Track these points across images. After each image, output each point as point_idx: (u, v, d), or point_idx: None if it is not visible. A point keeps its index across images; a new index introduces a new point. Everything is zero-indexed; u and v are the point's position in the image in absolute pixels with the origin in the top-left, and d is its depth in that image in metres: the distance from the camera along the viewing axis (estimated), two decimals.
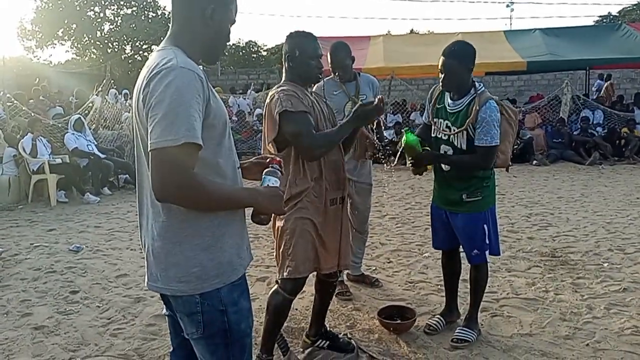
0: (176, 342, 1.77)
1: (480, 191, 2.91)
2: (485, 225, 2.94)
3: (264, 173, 1.65)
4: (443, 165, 2.97)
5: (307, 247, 2.51)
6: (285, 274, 2.52)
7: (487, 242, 2.95)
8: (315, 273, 2.72)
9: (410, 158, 2.90)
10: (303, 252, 2.50)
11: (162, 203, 1.45)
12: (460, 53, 2.81)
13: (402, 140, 2.90)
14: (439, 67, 2.84)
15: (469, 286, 3.14)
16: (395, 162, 3.02)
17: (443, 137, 2.93)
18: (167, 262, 1.50)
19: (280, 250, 2.55)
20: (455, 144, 2.87)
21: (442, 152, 2.93)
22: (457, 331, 3.02)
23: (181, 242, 1.48)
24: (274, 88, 2.61)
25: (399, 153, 2.95)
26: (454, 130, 2.86)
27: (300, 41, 2.57)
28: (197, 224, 1.48)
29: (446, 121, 2.91)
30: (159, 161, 1.35)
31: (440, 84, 2.89)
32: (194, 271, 1.49)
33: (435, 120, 2.99)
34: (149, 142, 1.38)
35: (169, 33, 1.59)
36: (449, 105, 2.92)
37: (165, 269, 1.50)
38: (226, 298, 1.53)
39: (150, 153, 1.37)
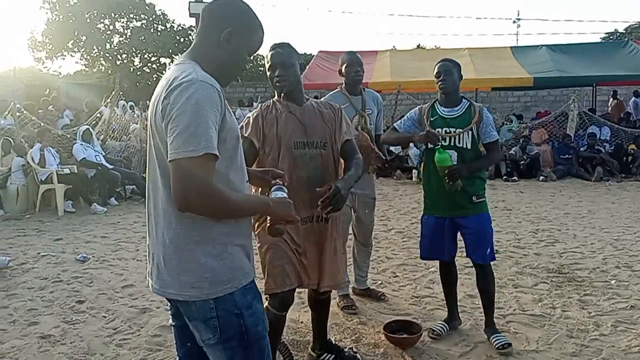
0: (182, 352, 1.77)
1: (484, 192, 3.14)
2: (491, 225, 3.16)
3: (271, 190, 1.77)
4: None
5: (282, 262, 2.48)
6: (265, 289, 2.51)
7: (493, 241, 3.17)
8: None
9: (446, 173, 2.96)
10: (278, 267, 2.47)
11: (175, 211, 1.48)
12: (452, 59, 3.19)
13: (435, 158, 2.98)
14: (435, 72, 3.13)
15: (478, 297, 3.14)
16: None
17: (444, 143, 3.07)
18: (180, 268, 1.52)
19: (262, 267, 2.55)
20: (460, 145, 3.06)
21: None
22: (496, 339, 3.08)
23: (193, 248, 1.51)
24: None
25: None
26: (458, 131, 3.05)
27: (267, 54, 2.58)
28: (207, 231, 1.52)
29: (444, 128, 3.10)
30: (180, 171, 1.40)
31: (440, 85, 3.12)
32: (206, 276, 1.51)
33: (431, 130, 3.12)
34: (168, 152, 1.42)
35: (191, 46, 1.66)
36: (445, 114, 3.13)
37: (178, 275, 1.53)
38: (240, 302, 1.56)
39: (170, 163, 1.41)
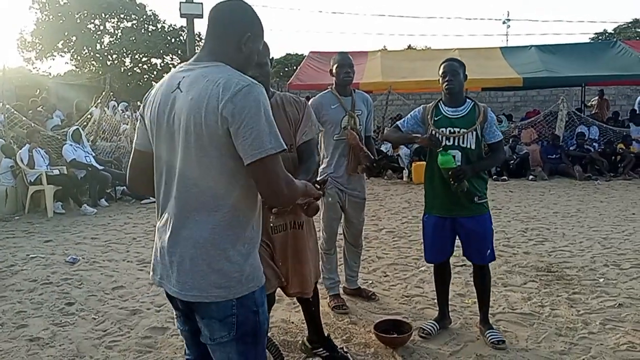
0: (197, 351, 1.76)
1: (485, 193, 3.15)
2: (492, 225, 3.18)
3: None
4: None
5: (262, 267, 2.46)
6: None
7: (493, 241, 3.20)
8: None
9: (450, 174, 2.97)
10: None
11: (216, 211, 1.53)
12: (457, 59, 3.20)
13: (438, 161, 2.99)
14: (441, 72, 3.12)
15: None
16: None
17: (448, 143, 3.07)
18: (211, 268, 1.54)
19: None
20: (464, 145, 3.06)
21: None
22: (491, 335, 3.13)
23: (227, 247, 1.55)
24: None
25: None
26: (463, 132, 3.05)
27: None
28: (243, 230, 1.58)
29: (449, 128, 3.09)
30: (268, 169, 1.49)
31: (445, 85, 3.11)
32: (235, 276, 1.56)
33: (435, 130, 3.11)
34: (247, 153, 1.47)
35: (207, 49, 1.65)
36: (449, 113, 3.12)
37: (206, 276, 1.54)
38: (258, 299, 1.63)
39: (253, 164, 1.48)
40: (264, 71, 2.45)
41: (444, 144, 3.05)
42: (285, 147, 1.54)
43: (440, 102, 3.19)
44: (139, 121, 1.76)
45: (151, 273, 1.72)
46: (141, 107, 1.75)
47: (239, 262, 1.56)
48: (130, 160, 1.81)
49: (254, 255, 1.62)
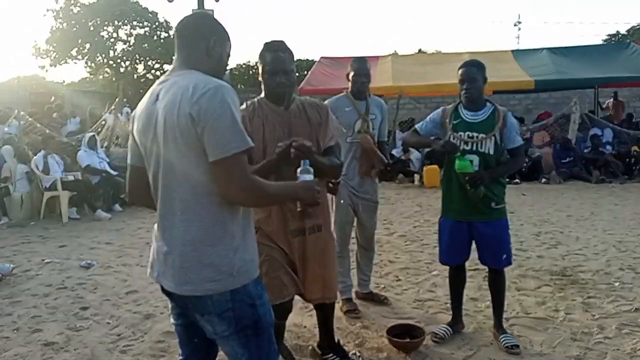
0: (189, 349, 1.84)
1: (503, 198, 3.13)
2: (509, 230, 3.16)
3: (298, 172, 1.91)
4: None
5: (278, 273, 2.45)
6: None
7: (510, 246, 3.18)
8: None
9: (467, 180, 2.95)
10: (275, 279, 2.44)
11: (201, 209, 1.59)
12: (476, 63, 3.12)
13: (455, 166, 2.97)
14: (459, 79, 3.06)
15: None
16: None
17: (466, 148, 3.05)
18: (201, 263, 1.60)
19: None
20: (482, 150, 3.03)
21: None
22: (505, 339, 3.10)
23: (215, 243, 1.61)
24: None
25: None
26: (482, 137, 3.01)
27: (262, 53, 2.48)
28: (227, 226, 1.63)
29: (467, 132, 3.06)
30: (231, 167, 1.53)
31: (463, 93, 3.07)
32: (225, 269, 1.61)
33: (454, 134, 3.09)
34: (212, 152, 1.53)
35: (179, 60, 1.74)
36: (468, 117, 3.08)
37: (198, 270, 1.61)
38: (253, 292, 1.67)
39: (217, 162, 1.53)
40: (290, 77, 2.48)
41: (462, 148, 3.03)
42: (252, 144, 1.56)
43: (460, 104, 3.15)
44: (130, 139, 1.83)
45: (149, 270, 1.79)
46: (130, 124, 1.83)
47: (228, 256, 1.61)
48: (127, 175, 1.90)
49: (243, 249, 1.66)
